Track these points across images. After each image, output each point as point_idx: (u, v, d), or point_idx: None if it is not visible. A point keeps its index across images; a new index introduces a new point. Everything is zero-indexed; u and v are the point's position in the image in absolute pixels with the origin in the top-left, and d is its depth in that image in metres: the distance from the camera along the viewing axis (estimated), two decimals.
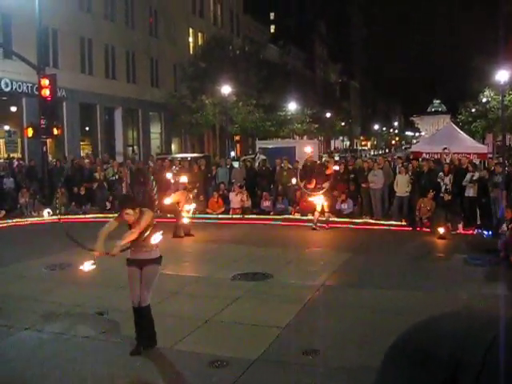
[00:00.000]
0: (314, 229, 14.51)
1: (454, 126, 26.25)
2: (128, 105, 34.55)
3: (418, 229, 14.39)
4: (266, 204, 17.85)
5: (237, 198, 17.44)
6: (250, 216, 17.04)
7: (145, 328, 6.05)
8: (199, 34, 43.76)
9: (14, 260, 10.82)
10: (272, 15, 78.41)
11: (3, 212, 17.50)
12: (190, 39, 42.96)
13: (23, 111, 26.01)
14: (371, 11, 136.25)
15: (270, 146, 25.91)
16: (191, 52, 41.19)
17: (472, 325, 0.68)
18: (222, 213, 17.23)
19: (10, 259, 10.84)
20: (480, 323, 0.68)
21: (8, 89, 24.92)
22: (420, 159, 18.76)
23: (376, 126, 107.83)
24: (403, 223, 15.16)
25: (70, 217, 17.38)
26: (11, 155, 23.33)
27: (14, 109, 26.46)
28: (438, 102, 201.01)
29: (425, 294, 8.19)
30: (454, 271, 9.95)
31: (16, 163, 21.08)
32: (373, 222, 15.81)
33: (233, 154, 42.53)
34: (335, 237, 13.93)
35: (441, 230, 13.13)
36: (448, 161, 17.33)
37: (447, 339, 0.66)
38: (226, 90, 32.44)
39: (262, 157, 21.51)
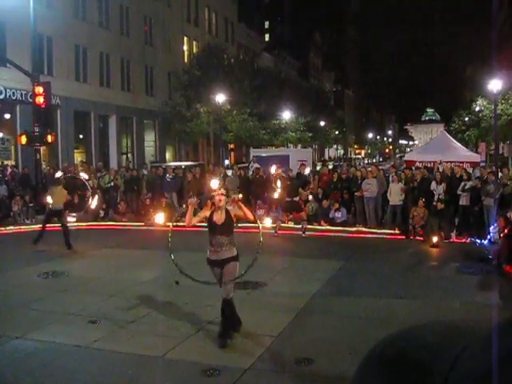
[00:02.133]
0: (304, 236, 14.69)
1: (447, 134, 26.38)
2: (122, 113, 34.55)
3: (411, 237, 14.42)
4: (260, 212, 17.85)
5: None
6: (244, 225, 16.96)
7: (230, 316, 6.67)
8: (194, 43, 43.87)
9: (6, 268, 10.78)
10: (267, 24, 78.86)
11: None
12: (185, 47, 43.05)
13: (17, 118, 25.93)
14: (365, 21, 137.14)
15: (264, 155, 25.94)
16: (186, 60, 41.29)
17: (448, 334, 0.70)
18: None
19: (3, 267, 10.80)
20: (455, 332, 0.70)
21: (2, 96, 24.86)
22: (413, 168, 18.83)
23: (370, 135, 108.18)
24: (397, 232, 15.20)
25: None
26: (5, 162, 23.23)
27: (7, 116, 26.39)
28: (431, 110, 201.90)
29: (418, 303, 8.21)
30: (447, 280, 9.97)
31: (9, 170, 21.00)
32: (366, 230, 15.83)
33: (227, 162, 42.54)
34: (328, 245, 13.93)
35: (434, 239, 13.16)
36: (441, 170, 17.41)
37: (422, 347, 0.67)
38: (220, 98, 32.49)
39: (256, 165, 21.49)
